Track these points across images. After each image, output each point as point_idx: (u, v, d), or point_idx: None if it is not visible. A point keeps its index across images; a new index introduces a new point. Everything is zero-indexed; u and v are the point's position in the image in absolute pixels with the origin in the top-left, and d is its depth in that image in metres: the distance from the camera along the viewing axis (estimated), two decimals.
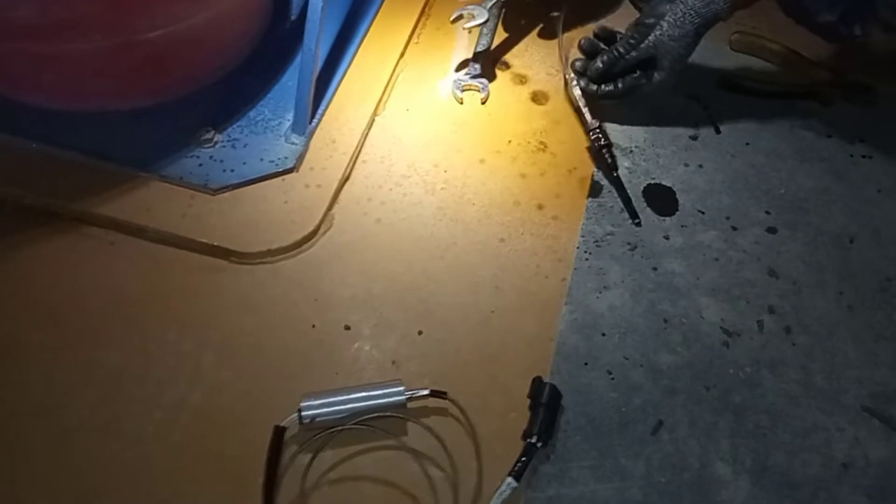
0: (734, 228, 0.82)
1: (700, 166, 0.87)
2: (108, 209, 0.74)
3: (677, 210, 0.83)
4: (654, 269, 0.78)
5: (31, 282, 0.71)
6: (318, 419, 0.64)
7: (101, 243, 0.74)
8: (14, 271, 0.71)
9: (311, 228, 0.76)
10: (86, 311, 0.70)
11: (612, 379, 0.71)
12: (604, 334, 0.73)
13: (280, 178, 0.79)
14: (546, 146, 0.86)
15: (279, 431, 0.63)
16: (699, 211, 0.83)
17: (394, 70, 0.90)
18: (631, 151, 0.87)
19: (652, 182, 0.85)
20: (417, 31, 0.96)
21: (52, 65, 0.71)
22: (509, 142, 0.87)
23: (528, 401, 0.68)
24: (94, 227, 0.75)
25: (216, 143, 0.79)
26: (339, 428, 0.64)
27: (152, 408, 0.65)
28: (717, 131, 0.91)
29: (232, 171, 0.77)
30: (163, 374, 0.67)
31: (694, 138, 0.90)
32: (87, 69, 0.72)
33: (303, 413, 0.64)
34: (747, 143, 0.90)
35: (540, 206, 0.82)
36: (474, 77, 0.91)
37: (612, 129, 0.88)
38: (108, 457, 0.62)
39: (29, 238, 0.73)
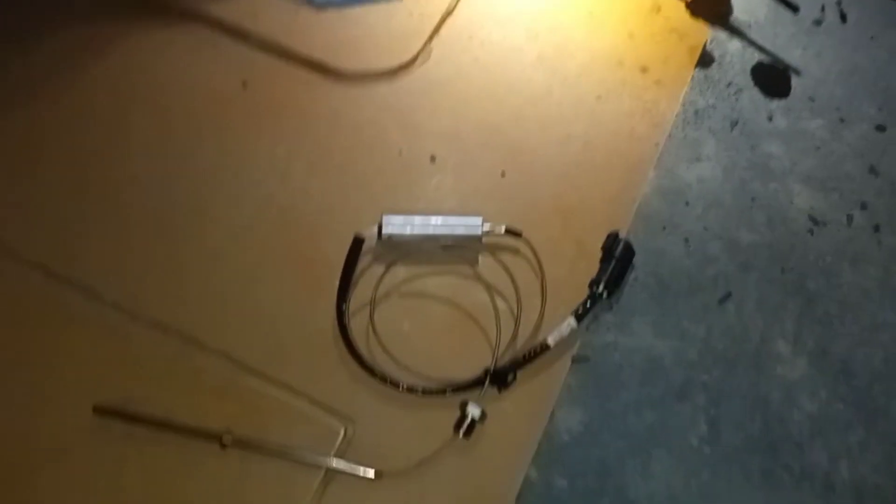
0: (842, 121, 0.79)
1: (818, 53, 0.82)
2: (216, 9, 0.75)
3: (787, 94, 0.79)
4: (752, 148, 0.76)
5: (137, 70, 0.73)
6: (395, 237, 0.66)
7: (204, 43, 0.75)
8: (121, 58, 0.74)
9: (409, 57, 0.76)
10: (186, 105, 0.72)
11: (689, 246, 0.70)
12: (687, 203, 0.73)
13: (386, 1, 0.78)
14: (660, 8, 0.83)
15: (358, 241, 0.66)
16: (809, 98, 0.79)
17: None
18: (749, 26, 0.83)
19: (764, 61, 0.81)
20: None
21: None
22: None
23: (601, 253, 0.68)
24: (199, 24, 0.76)
25: None
26: (416, 243, 0.66)
27: (244, 201, 0.68)
28: (843, 20, 0.85)
29: None
30: (255, 173, 0.70)
31: (818, 23, 0.84)
32: None
33: (382, 228, 0.66)
34: (872, 38, 0.85)
35: (644, 69, 0.79)
36: None
37: None
38: (201, 237, 0.67)
39: (137, 27, 0.75)
